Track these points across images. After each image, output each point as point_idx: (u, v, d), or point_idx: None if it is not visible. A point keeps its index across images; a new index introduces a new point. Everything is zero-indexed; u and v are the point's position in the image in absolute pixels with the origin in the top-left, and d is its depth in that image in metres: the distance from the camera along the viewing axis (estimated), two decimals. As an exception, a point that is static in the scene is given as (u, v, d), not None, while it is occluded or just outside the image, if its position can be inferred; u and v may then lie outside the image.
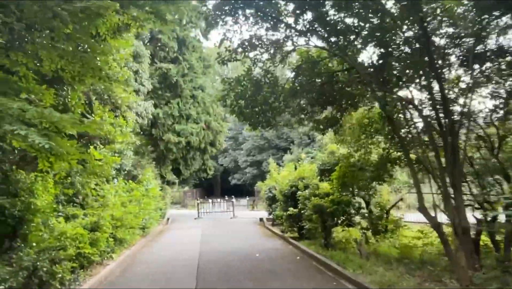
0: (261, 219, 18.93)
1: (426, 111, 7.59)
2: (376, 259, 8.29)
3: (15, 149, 6.32)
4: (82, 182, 10.29)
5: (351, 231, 11.04)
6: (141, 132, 20.21)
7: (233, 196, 21.03)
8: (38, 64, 5.40)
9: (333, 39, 8.26)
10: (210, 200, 24.25)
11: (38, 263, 6.01)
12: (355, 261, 7.97)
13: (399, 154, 9.33)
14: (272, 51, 9.04)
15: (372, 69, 8.12)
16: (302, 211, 11.56)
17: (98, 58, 5.80)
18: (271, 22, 8.49)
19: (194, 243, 11.99)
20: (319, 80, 9.34)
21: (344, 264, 7.78)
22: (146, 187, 15.45)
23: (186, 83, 20.17)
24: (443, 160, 7.06)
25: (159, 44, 19.64)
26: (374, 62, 8.06)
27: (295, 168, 15.02)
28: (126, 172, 14.69)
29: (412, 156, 8.27)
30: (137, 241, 12.35)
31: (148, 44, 19.41)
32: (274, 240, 12.55)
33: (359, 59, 8.46)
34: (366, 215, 10.86)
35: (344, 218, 10.82)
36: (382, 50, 7.85)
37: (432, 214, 6.87)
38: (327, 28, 8.02)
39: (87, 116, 9.52)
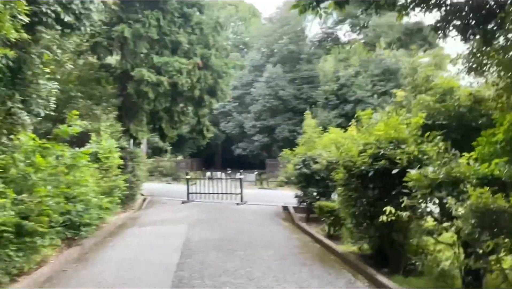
0: (285, 208, 12.25)
1: None
2: None
3: None
4: None
5: None
6: (102, 67, 13.02)
7: (241, 171, 14.13)
8: None
9: None
10: (208, 174, 17.65)
11: None
12: None
13: None
14: None
15: None
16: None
17: None
18: None
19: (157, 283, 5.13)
20: None
21: None
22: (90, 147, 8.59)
23: (173, -10, 12.66)
24: None
25: None
26: None
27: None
28: (42, 117, 7.78)
29: None
30: (44, 263, 5.62)
31: None
32: (340, 276, 5.67)
33: None
34: None
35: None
36: None
37: None
38: None
39: None
